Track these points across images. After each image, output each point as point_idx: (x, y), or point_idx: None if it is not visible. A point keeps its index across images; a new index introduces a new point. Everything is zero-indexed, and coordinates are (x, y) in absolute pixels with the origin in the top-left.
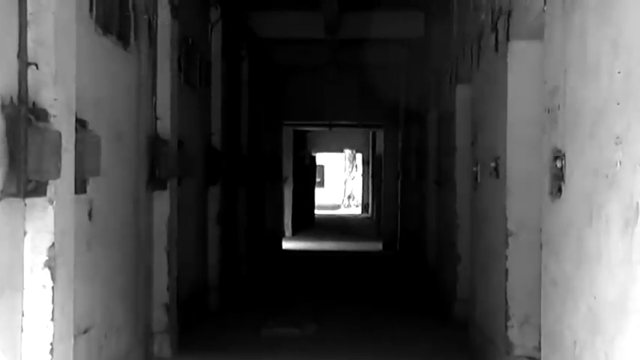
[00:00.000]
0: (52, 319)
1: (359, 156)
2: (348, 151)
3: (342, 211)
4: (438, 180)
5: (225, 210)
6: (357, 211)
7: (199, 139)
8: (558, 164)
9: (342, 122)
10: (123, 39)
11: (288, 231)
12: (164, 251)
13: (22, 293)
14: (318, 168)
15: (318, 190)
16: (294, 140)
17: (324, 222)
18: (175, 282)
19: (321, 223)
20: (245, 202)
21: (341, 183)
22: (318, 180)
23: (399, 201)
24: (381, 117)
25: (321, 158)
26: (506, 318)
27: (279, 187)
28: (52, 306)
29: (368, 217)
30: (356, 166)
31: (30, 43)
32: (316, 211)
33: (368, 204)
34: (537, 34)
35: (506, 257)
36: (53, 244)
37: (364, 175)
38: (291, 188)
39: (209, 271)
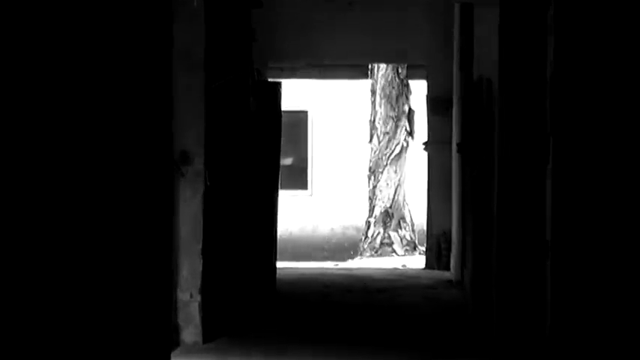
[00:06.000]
0: None
1: (417, 87)
2: (383, 71)
3: (366, 263)
4: None
5: None
6: (413, 261)
7: None
8: None
9: None
10: None
11: (191, 330)
12: None
13: None
14: (286, 125)
15: (288, 197)
16: (208, 33)
17: (309, 296)
18: None
19: (297, 299)
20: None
21: (361, 175)
22: (287, 163)
23: (549, 230)
24: None
25: (299, 93)
26: None
27: (162, 185)
28: None
29: (447, 281)
30: (408, 123)
31: None
32: (282, 264)
33: (448, 238)
34: None
35: None
36: None
37: (433, 148)
38: (202, 192)
39: None
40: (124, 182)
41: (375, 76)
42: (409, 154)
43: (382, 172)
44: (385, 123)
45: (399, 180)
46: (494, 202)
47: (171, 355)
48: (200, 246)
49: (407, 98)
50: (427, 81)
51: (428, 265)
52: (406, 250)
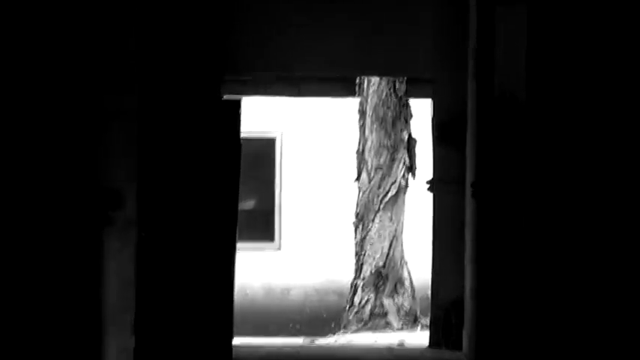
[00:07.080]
0: None
1: (420, 108)
2: (375, 87)
3: (352, 340)
4: None
5: None
6: (414, 337)
7: None
8: None
9: None
10: None
11: None
12: None
13: None
14: (248, 156)
15: (249, 251)
16: (141, 30)
17: None
18: None
19: None
20: None
21: (346, 223)
22: (248, 207)
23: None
24: None
25: (265, 114)
26: None
27: (82, 237)
28: None
29: None
30: (408, 155)
31: None
32: (241, 340)
33: (460, 308)
34: None
35: None
36: None
37: (440, 188)
38: (134, 244)
39: None
40: (26, 235)
41: (365, 93)
42: (409, 197)
43: (373, 220)
44: (378, 155)
45: (396, 230)
46: (524, 260)
47: None
48: (131, 317)
49: (406, 122)
50: (433, 100)
51: (433, 343)
52: (405, 322)
